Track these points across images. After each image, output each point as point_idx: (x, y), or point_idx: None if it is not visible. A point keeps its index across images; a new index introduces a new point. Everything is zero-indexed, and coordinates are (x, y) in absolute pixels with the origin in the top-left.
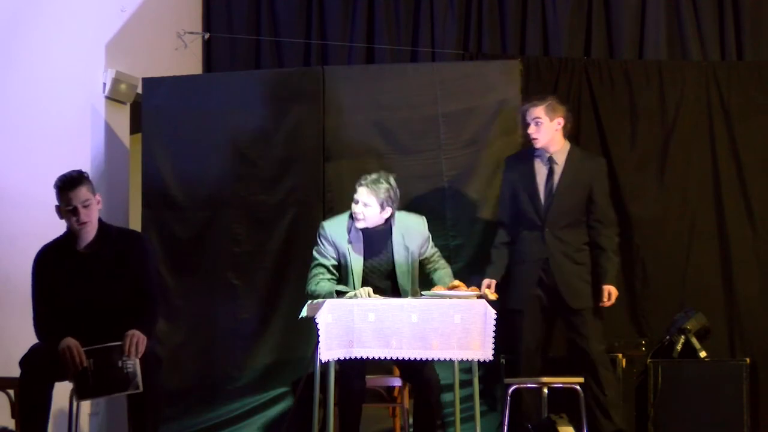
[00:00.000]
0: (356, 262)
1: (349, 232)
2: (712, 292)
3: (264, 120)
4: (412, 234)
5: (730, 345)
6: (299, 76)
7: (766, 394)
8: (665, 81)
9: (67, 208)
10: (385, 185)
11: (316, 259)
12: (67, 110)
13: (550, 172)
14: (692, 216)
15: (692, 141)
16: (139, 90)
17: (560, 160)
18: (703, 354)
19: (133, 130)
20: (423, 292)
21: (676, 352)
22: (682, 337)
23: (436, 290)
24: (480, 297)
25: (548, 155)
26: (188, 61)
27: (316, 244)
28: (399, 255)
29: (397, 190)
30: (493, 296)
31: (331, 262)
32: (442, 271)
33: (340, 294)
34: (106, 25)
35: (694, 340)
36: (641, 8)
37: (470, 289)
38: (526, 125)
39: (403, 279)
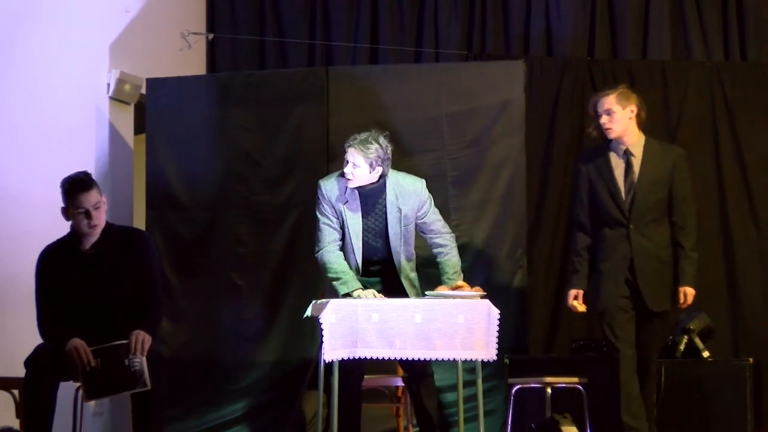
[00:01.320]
0: (353, 221)
1: (344, 192)
2: (716, 292)
3: (268, 120)
4: (406, 195)
5: (734, 345)
6: (303, 77)
7: None
8: (669, 81)
9: (77, 211)
10: (374, 145)
11: (320, 219)
12: (71, 111)
13: (629, 166)
14: (695, 216)
15: (696, 141)
16: (143, 90)
17: (637, 152)
18: (706, 354)
19: (138, 130)
20: (427, 292)
21: (679, 352)
22: (686, 337)
23: (439, 290)
24: (483, 297)
25: (624, 148)
26: (192, 62)
27: (317, 200)
28: (391, 215)
29: (388, 148)
30: (582, 308)
31: (333, 220)
32: (446, 260)
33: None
34: (109, 26)
35: (698, 341)
36: (645, 8)
37: (474, 289)
38: (598, 116)
39: (395, 240)
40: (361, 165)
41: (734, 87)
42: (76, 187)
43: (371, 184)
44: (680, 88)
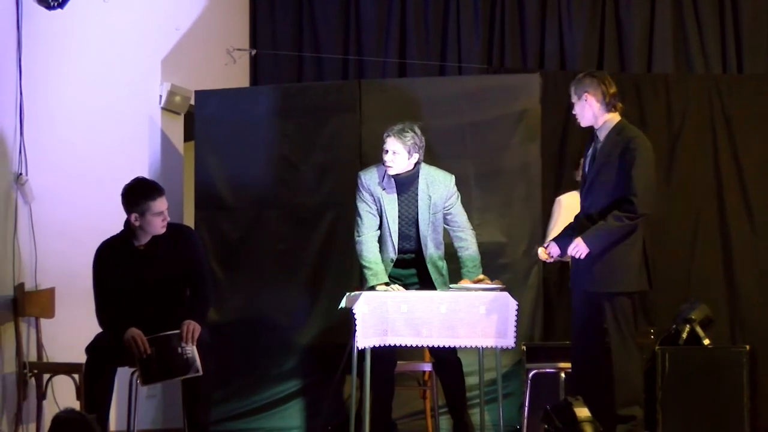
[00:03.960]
0: (390, 206)
1: (382, 179)
2: (715, 285)
3: (306, 129)
4: (436, 185)
5: (731, 333)
6: (338, 89)
7: (764, 377)
8: (672, 93)
9: (156, 213)
10: (410, 133)
11: (359, 207)
12: (127, 120)
13: (594, 151)
14: (696, 216)
15: (696, 148)
16: (192, 102)
17: (602, 136)
18: (706, 342)
19: (187, 138)
20: (451, 286)
21: (681, 339)
22: (688, 326)
23: (462, 284)
24: (503, 290)
25: (595, 132)
26: (237, 75)
27: (357, 191)
28: (422, 201)
29: (422, 138)
30: (544, 256)
31: (372, 207)
32: (467, 255)
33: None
34: (162, 43)
35: (699, 329)
36: (650, 26)
37: (493, 282)
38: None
39: (424, 225)
40: (399, 152)
41: (732, 98)
42: (155, 192)
43: (407, 171)
44: (682, 100)
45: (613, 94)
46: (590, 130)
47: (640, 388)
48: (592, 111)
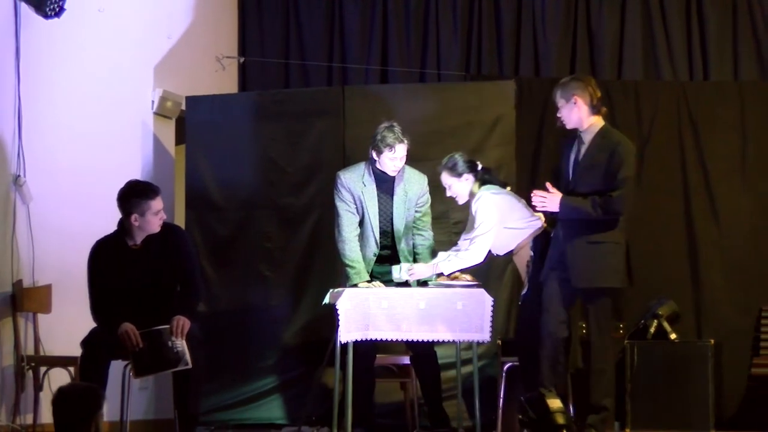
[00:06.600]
0: (371, 202)
1: (362, 177)
2: (682, 282)
3: (292, 133)
4: (412, 182)
5: (697, 328)
6: (323, 94)
7: (729, 370)
8: (641, 99)
9: (154, 212)
10: (406, 141)
11: (339, 206)
12: (121, 124)
13: (578, 152)
14: (664, 216)
15: (665, 151)
16: (183, 107)
17: (587, 138)
18: (673, 336)
19: (178, 141)
20: (429, 283)
21: (650, 334)
22: (655, 321)
23: (440, 281)
24: (479, 286)
25: (579, 134)
26: (226, 82)
27: (336, 190)
28: (398, 197)
29: None
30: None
31: (351, 206)
32: (427, 245)
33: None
34: (154, 51)
35: (666, 324)
36: (620, 34)
37: (465, 276)
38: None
39: (399, 221)
40: (404, 155)
41: (698, 103)
42: (152, 192)
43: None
44: (651, 105)
45: (599, 98)
46: (564, 133)
47: (613, 380)
48: (579, 113)
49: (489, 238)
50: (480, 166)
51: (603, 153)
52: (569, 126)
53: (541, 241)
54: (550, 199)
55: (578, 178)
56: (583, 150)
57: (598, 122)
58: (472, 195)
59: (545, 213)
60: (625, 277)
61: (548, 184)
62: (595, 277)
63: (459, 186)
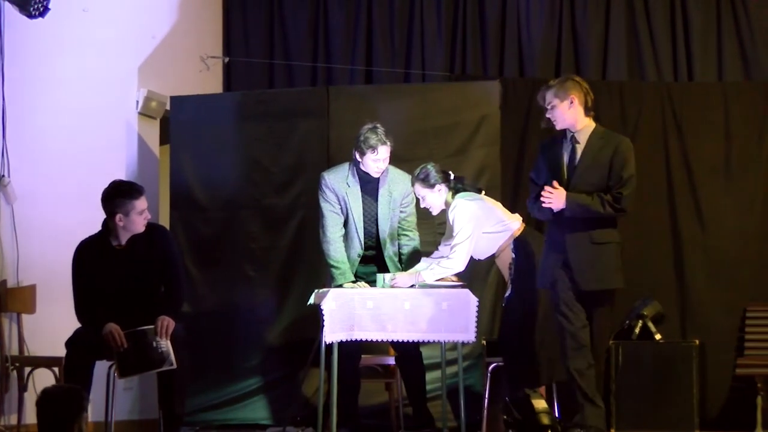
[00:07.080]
0: (355, 204)
1: (346, 178)
2: (666, 282)
3: (276, 133)
4: (396, 182)
5: (682, 328)
6: (307, 95)
7: (713, 370)
8: (625, 99)
9: (139, 211)
10: (389, 142)
11: (323, 207)
12: (105, 125)
13: (573, 152)
14: (649, 217)
15: (649, 151)
16: (168, 107)
17: (582, 139)
18: (658, 336)
19: (163, 141)
20: (414, 284)
21: (634, 334)
22: (640, 321)
23: (426, 282)
24: (464, 287)
25: (571, 134)
26: (210, 82)
27: (320, 191)
28: (382, 197)
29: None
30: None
31: (335, 207)
32: (412, 246)
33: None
34: (138, 51)
35: (651, 325)
36: (604, 35)
37: (455, 280)
38: (545, 111)
39: (384, 222)
40: (387, 157)
41: (682, 104)
42: (136, 192)
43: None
44: (635, 105)
45: (593, 100)
46: (549, 133)
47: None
48: (575, 114)
49: (469, 246)
50: (453, 176)
51: (605, 152)
52: (560, 126)
53: (523, 245)
54: (555, 196)
55: (579, 177)
56: (579, 150)
57: (591, 123)
58: (447, 204)
59: (550, 210)
60: (623, 276)
61: (555, 182)
62: (602, 279)
63: (432, 197)
